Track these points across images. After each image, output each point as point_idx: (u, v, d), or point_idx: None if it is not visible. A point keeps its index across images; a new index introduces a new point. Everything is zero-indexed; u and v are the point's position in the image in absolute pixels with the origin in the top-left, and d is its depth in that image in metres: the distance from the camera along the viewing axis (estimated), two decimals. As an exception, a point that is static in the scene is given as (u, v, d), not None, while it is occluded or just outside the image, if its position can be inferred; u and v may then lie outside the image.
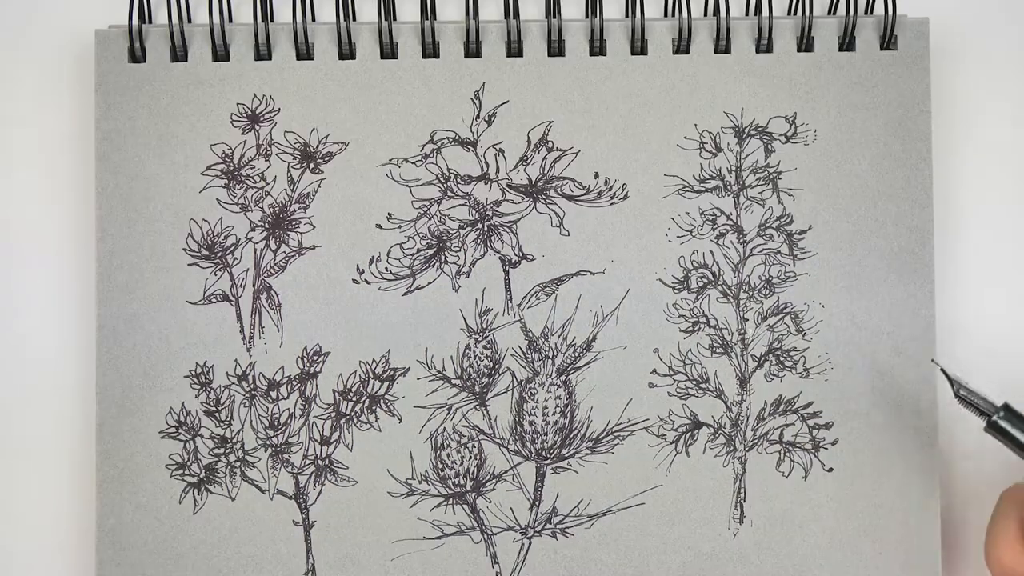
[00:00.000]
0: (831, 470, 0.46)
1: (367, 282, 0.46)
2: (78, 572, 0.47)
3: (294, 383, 0.46)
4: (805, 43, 0.46)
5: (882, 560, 0.46)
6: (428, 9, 0.46)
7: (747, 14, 0.47)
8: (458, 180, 0.46)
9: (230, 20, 0.47)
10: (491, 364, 0.46)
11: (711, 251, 0.46)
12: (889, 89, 0.46)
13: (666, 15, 0.47)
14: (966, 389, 0.42)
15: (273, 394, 0.46)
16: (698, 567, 0.46)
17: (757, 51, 0.46)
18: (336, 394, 0.46)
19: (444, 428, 0.46)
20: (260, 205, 0.46)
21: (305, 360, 0.46)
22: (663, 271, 0.46)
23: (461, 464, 0.46)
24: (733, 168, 0.46)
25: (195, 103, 0.46)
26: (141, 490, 0.46)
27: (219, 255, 0.46)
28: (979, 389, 0.42)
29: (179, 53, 0.46)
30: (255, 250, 0.46)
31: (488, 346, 0.46)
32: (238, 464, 0.46)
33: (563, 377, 0.46)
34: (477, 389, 0.46)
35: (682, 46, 0.46)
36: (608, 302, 0.46)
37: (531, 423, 0.46)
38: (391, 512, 0.46)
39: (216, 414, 0.46)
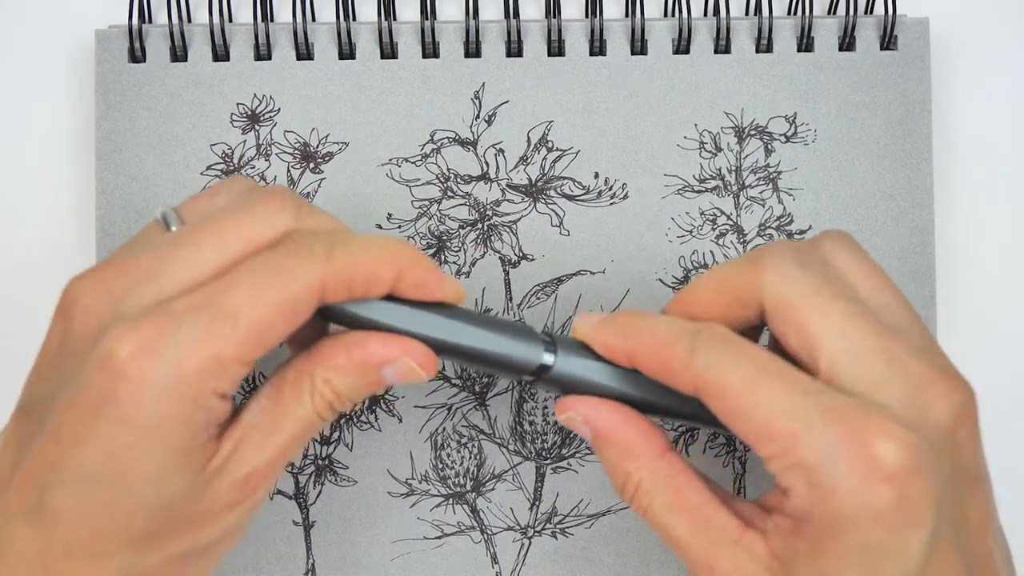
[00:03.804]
0: (831, 470, 0.46)
1: (367, 282, 0.46)
2: (78, 572, 0.47)
3: (294, 383, 0.46)
4: (805, 43, 0.46)
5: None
6: (428, 9, 0.46)
7: (747, 14, 0.47)
8: (458, 180, 0.46)
9: (230, 20, 0.47)
10: (491, 364, 0.46)
11: (711, 251, 0.46)
12: (889, 89, 0.46)
13: (666, 15, 0.47)
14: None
15: (273, 394, 0.46)
16: (698, 567, 0.46)
17: (757, 51, 0.46)
18: (336, 394, 0.46)
19: (444, 428, 0.46)
20: (260, 205, 0.46)
21: (305, 360, 0.46)
22: (663, 271, 0.46)
23: (461, 464, 0.46)
24: (733, 168, 0.46)
25: (195, 103, 0.46)
26: (141, 490, 0.46)
27: (219, 255, 0.46)
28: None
29: (179, 53, 0.46)
30: (255, 250, 0.46)
31: (488, 346, 0.46)
32: (238, 464, 0.46)
33: (563, 377, 0.46)
34: (477, 389, 0.46)
35: (682, 46, 0.46)
36: (608, 302, 0.46)
37: (531, 423, 0.46)
38: (391, 512, 0.46)
39: (216, 414, 0.46)
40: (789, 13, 0.47)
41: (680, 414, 0.36)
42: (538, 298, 0.46)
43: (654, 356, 0.34)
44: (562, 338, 0.37)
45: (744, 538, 0.33)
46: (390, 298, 0.35)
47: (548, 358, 0.36)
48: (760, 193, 0.46)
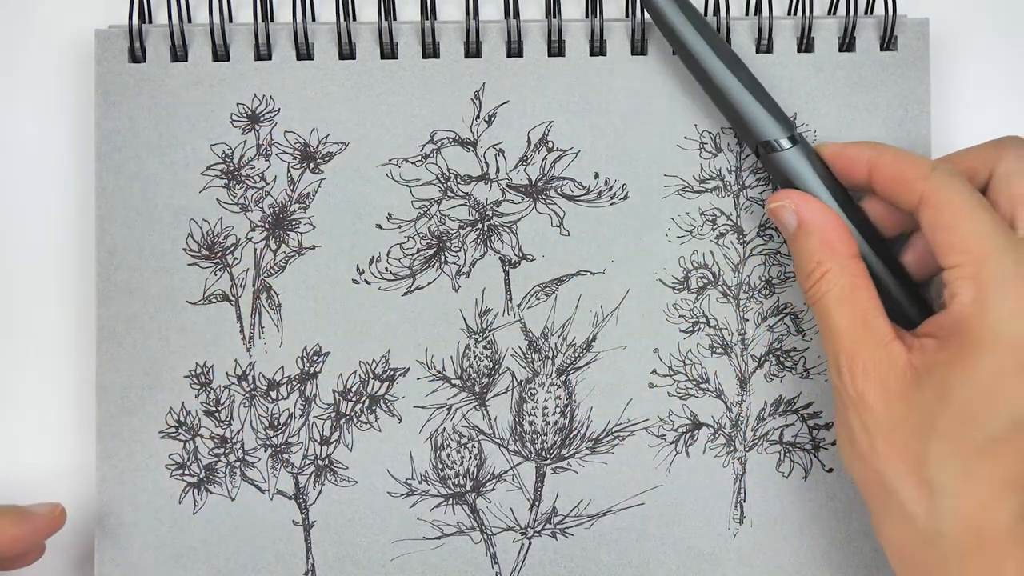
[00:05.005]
0: (831, 470, 0.46)
1: (367, 282, 0.46)
2: (78, 572, 0.47)
3: (294, 383, 0.46)
4: (805, 43, 0.46)
5: (882, 560, 0.46)
6: (428, 9, 0.46)
7: (747, 14, 0.47)
8: (458, 180, 0.46)
9: (230, 20, 0.47)
10: (491, 364, 0.46)
11: (711, 251, 0.46)
12: (889, 89, 0.46)
13: (666, 15, 0.47)
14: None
15: (273, 394, 0.46)
16: (698, 567, 0.46)
17: (757, 51, 0.46)
18: (336, 394, 0.46)
19: (444, 428, 0.46)
20: (260, 205, 0.46)
21: (305, 360, 0.46)
22: (663, 271, 0.46)
23: (461, 464, 0.46)
24: (733, 168, 0.46)
25: (195, 103, 0.46)
26: (141, 490, 0.46)
27: (219, 255, 0.46)
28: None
29: (179, 53, 0.46)
30: (255, 250, 0.46)
31: (488, 346, 0.46)
32: (238, 464, 0.46)
33: (563, 377, 0.46)
34: (477, 389, 0.46)
35: (682, 46, 0.46)
36: (608, 302, 0.46)
37: (531, 423, 0.46)
38: (391, 512, 0.46)
39: (216, 414, 0.46)
40: (789, 13, 0.47)
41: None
42: (538, 298, 0.46)
43: (896, 164, 0.40)
44: (805, 139, 0.43)
45: (891, 345, 0.39)
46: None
47: (785, 143, 0.42)
48: (760, 193, 0.46)
